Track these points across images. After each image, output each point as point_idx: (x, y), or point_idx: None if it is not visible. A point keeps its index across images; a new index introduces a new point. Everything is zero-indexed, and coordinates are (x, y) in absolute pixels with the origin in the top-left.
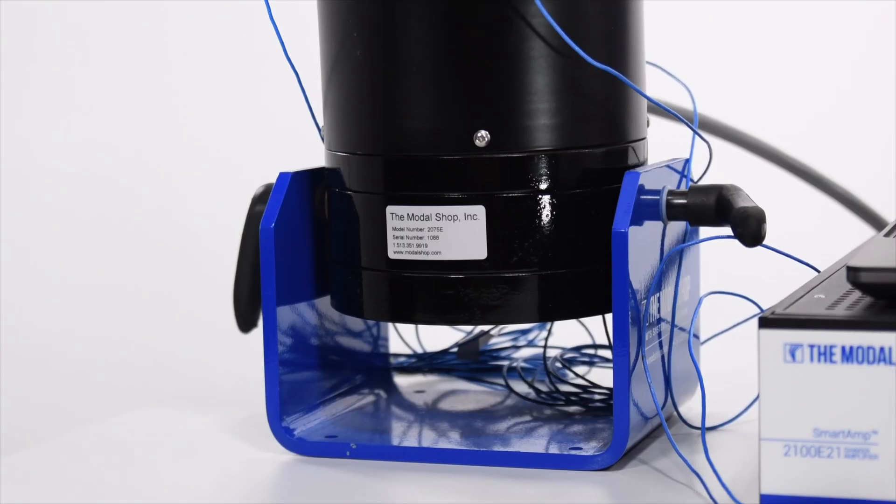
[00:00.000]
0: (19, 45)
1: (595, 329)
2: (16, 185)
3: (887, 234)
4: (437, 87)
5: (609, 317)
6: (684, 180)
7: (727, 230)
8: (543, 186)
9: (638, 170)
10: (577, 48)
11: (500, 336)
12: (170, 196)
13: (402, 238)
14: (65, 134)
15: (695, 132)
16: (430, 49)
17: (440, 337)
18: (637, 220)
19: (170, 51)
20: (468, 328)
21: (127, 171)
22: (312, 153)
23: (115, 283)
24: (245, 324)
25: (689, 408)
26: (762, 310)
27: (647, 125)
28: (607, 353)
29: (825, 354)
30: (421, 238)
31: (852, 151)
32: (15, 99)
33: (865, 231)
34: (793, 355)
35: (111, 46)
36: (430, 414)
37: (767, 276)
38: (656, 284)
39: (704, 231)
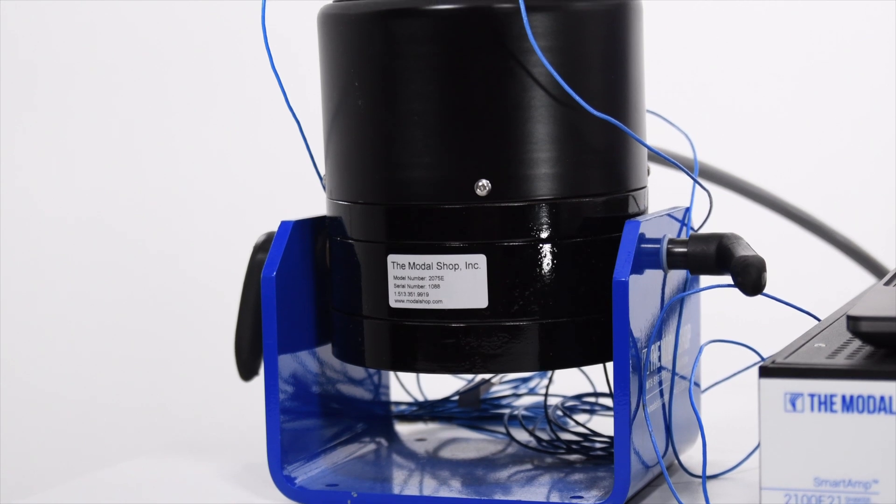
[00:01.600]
0: (19, 94)
1: (596, 377)
2: (17, 232)
3: (887, 283)
4: (438, 137)
5: (610, 365)
6: (685, 229)
7: (728, 279)
8: (544, 235)
9: (638, 218)
10: (577, 98)
11: (501, 384)
12: (172, 242)
13: (404, 287)
14: (65, 181)
15: (695, 181)
16: (432, 99)
17: (441, 385)
18: (638, 268)
19: (170, 97)
20: (469, 376)
21: (128, 217)
22: (314, 201)
23: (117, 329)
24: (246, 372)
25: (690, 456)
26: (763, 358)
27: (648, 174)
28: (608, 402)
29: (825, 404)
30: (422, 287)
31: (853, 198)
32: (14, 147)
33: (866, 278)
34: (793, 404)
35: (111, 93)
36: (431, 462)
37: (768, 324)
38: (657, 333)
39: (705, 279)
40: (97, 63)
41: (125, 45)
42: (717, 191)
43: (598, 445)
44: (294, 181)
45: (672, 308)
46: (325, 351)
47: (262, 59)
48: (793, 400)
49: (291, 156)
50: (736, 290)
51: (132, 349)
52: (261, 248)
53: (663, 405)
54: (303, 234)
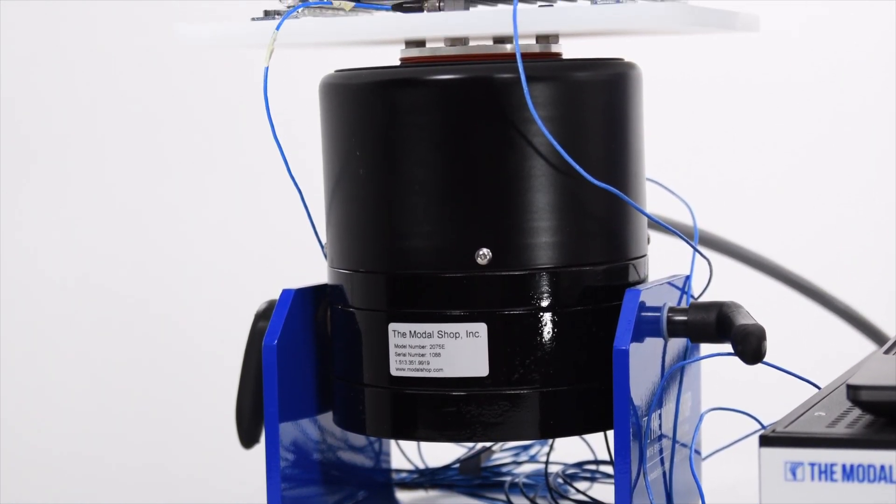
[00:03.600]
0: (18, 158)
1: (597, 444)
2: (18, 294)
3: (887, 352)
4: (439, 206)
5: (611, 432)
6: (685, 297)
7: (728, 347)
8: (545, 304)
9: (639, 287)
10: (577, 167)
11: (501, 451)
12: (173, 305)
13: (405, 355)
14: (66, 244)
15: (695, 249)
16: (432, 168)
17: (442, 452)
18: (638, 337)
19: (170, 162)
20: (470, 444)
21: (129, 280)
22: (316, 266)
23: (117, 390)
24: (248, 439)
25: None
26: (763, 426)
27: (648, 242)
28: (609, 469)
29: (826, 473)
30: (423, 355)
31: (852, 265)
32: (15, 210)
33: (866, 345)
34: (794, 473)
35: (110, 157)
36: None
37: (768, 391)
38: (657, 401)
39: (705, 347)
40: (96, 127)
41: (122, 110)
42: (717, 258)
43: None
44: (296, 247)
45: (672, 376)
46: (327, 418)
47: (263, 123)
48: (793, 469)
49: (293, 221)
50: (736, 358)
51: (132, 411)
52: (262, 316)
53: (664, 473)
54: (304, 302)
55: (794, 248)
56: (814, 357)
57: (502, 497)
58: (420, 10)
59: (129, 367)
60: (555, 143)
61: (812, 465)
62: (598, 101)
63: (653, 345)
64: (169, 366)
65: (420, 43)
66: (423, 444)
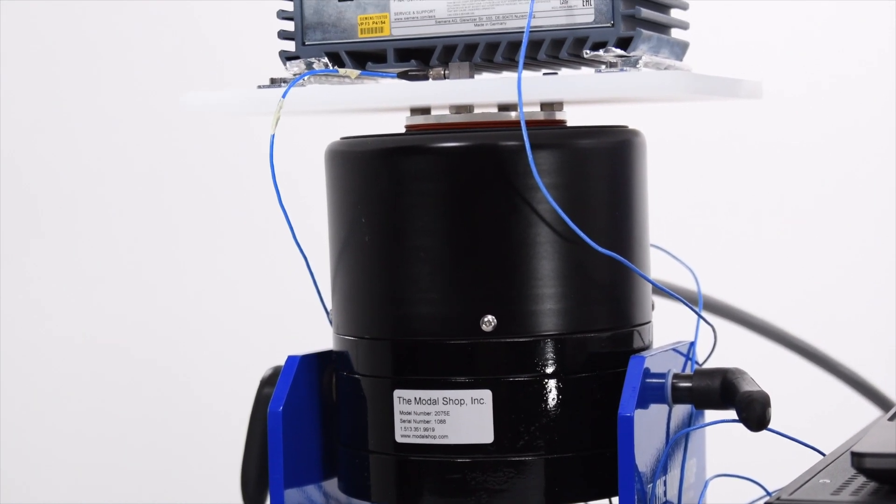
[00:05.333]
0: (25, 222)
1: None
2: (25, 352)
3: (891, 418)
4: (443, 273)
5: (616, 499)
6: (689, 363)
7: (733, 413)
8: (549, 370)
9: (643, 354)
10: (582, 234)
11: None
12: (179, 363)
13: (410, 422)
14: (73, 303)
15: (699, 316)
16: (437, 235)
17: None
18: (643, 403)
19: (178, 226)
20: None
21: (137, 338)
22: (321, 329)
23: (124, 447)
24: None
25: None
26: (768, 493)
27: (652, 308)
28: None
29: None
30: (428, 422)
31: (857, 330)
32: (23, 270)
33: (871, 410)
34: None
35: (117, 220)
36: None
37: (773, 457)
38: (662, 467)
39: (710, 414)
40: (103, 190)
41: (130, 174)
42: (721, 323)
43: None
44: (303, 308)
45: (677, 442)
46: (332, 485)
47: (270, 186)
48: None
49: (300, 283)
50: (741, 425)
51: (139, 469)
52: (267, 383)
53: None
54: (309, 368)
55: (797, 311)
56: (818, 422)
57: None
58: (425, 78)
59: (136, 426)
60: (559, 210)
61: None
62: (602, 168)
63: (657, 411)
64: (175, 426)
65: (425, 110)
66: None
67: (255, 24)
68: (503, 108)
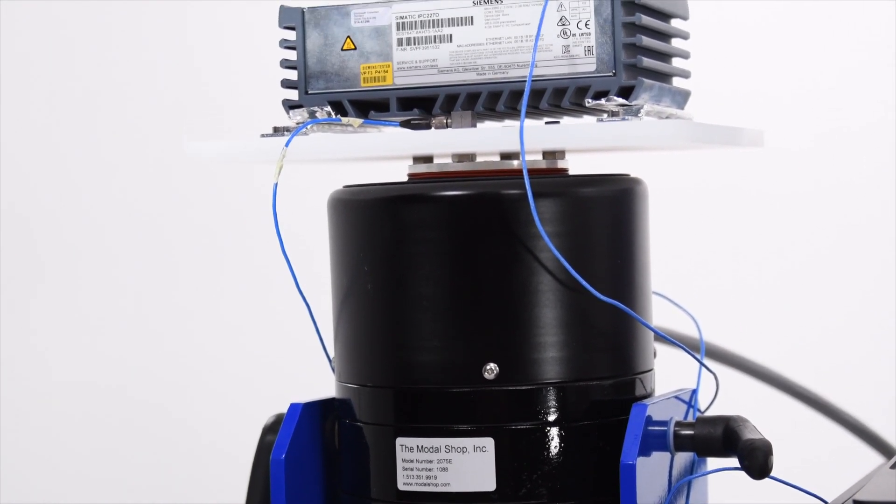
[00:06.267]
0: (30, 268)
1: None
2: (30, 397)
3: (893, 466)
4: (446, 321)
5: None
6: (691, 411)
7: (735, 461)
8: (552, 418)
9: (645, 401)
10: (584, 283)
11: None
12: (182, 405)
13: (412, 470)
14: (76, 347)
15: (701, 364)
16: (440, 283)
17: None
18: (645, 451)
19: (181, 273)
20: None
21: (140, 386)
22: (325, 373)
23: (129, 490)
24: None
25: None
26: None
27: (655, 356)
28: None
29: None
30: (430, 470)
31: (859, 376)
32: (27, 316)
33: (873, 457)
34: None
35: (120, 265)
36: None
37: None
38: None
39: (712, 461)
40: (106, 237)
41: (133, 221)
42: (723, 370)
43: None
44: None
45: (679, 490)
46: None
47: (273, 233)
48: None
49: (303, 329)
50: (743, 473)
51: None
52: (270, 430)
53: None
54: (312, 416)
55: (798, 358)
56: (820, 469)
57: None
58: (428, 126)
59: (139, 472)
60: (561, 258)
61: None
62: (604, 216)
63: (660, 459)
64: (178, 471)
65: (428, 158)
66: None
67: (255, 73)
68: (506, 156)
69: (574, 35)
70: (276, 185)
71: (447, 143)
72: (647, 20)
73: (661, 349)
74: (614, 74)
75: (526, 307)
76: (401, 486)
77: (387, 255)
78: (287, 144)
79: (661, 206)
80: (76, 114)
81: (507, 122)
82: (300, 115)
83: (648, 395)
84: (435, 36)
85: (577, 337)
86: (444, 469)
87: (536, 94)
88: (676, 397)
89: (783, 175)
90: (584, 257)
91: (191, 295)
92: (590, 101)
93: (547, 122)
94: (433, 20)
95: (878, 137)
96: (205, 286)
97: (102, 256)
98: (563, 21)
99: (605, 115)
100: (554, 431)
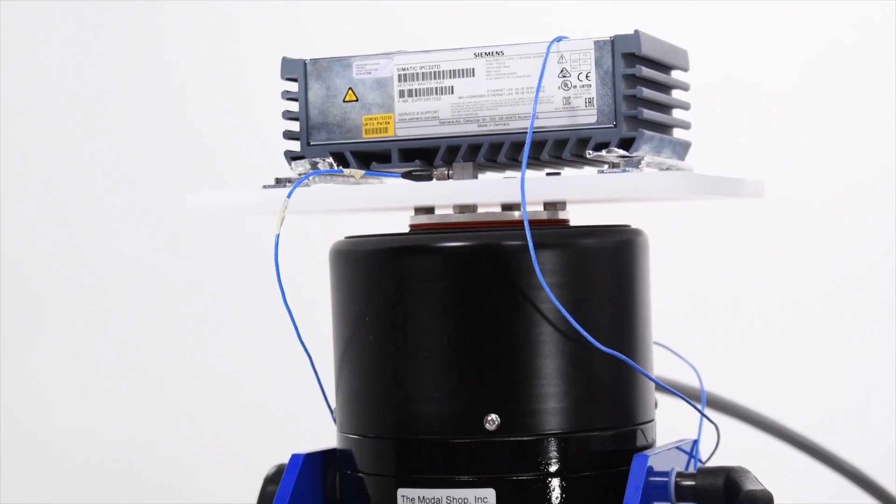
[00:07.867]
0: (29, 318)
1: None
2: (30, 446)
3: None
4: (447, 372)
5: None
6: (693, 461)
7: None
8: (553, 469)
9: (646, 452)
10: (585, 334)
11: None
12: (184, 453)
13: None
14: (76, 398)
15: (702, 414)
16: (441, 335)
17: None
18: (646, 502)
19: (182, 323)
20: None
21: (140, 435)
22: (327, 424)
23: None
24: None
25: None
26: None
27: (656, 406)
28: None
29: None
30: None
31: (858, 424)
32: (28, 366)
33: None
34: None
35: (120, 315)
36: None
37: None
38: None
39: None
40: (105, 291)
41: (133, 272)
42: (725, 420)
43: None
44: (305, 404)
45: None
46: None
47: (274, 284)
48: None
49: (304, 379)
50: None
51: None
52: (271, 481)
53: None
54: (313, 466)
55: (800, 408)
56: None
57: None
58: (429, 177)
59: None
60: (563, 310)
61: None
62: (605, 267)
63: None
64: None
65: (429, 209)
66: None
67: (255, 125)
68: (507, 207)
69: (575, 87)
70: (277, 236)
71: (448, 195)
72: (647, 72)
73: (663, 399)
74: (615, 126)
75: (527, 358)
76: None
77: (388, 306)
78: (289, 196)
79: (662, 255)
80: (75, 168)
81: (509, 173)
82: (302, 166)
83: (650, 446)
84: (436, 87)
85: (579, 388)
86: None
87: (538, 145)
88: (678, 448)
89: (783, 225)
90: (585, 308)
91: (192, 345)
92: (591, 152)
93: (548, 174)
94: (435, 72)
95: (878, 188)
96: (206, 336)
97: (102, 308)
98: (563, 73)
99: (606, 167)
100: (555, 482)
